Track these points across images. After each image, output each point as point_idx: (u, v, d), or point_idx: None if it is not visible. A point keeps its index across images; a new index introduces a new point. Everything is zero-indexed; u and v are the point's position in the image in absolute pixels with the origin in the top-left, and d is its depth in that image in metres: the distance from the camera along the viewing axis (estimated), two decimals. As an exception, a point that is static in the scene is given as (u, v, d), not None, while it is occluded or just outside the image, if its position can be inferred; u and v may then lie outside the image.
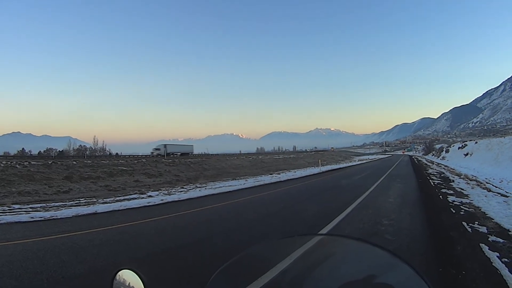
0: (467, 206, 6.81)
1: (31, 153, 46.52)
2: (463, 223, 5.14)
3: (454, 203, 7.23)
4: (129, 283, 1.02)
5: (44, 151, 44.34)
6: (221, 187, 13.66)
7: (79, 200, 10.66)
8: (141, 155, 38.10)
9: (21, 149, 53.20)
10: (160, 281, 2.95)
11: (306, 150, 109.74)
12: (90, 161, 22.59)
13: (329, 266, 1.14)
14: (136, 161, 25.50)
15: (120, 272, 1.04)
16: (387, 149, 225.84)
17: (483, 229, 4.71)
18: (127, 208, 7.96)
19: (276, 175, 21.62)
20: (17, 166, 16.33)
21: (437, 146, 72.50)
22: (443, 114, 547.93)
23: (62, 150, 48.69)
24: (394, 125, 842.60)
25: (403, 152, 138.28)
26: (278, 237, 1.45)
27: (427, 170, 20.66)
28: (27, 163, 17.83)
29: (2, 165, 16.08)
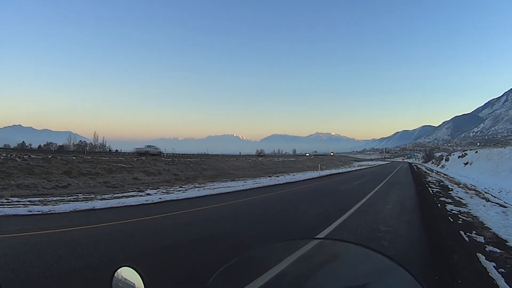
0: (465, 215, 6.81)
1: (31, 146, 46.63)
2: (461, 232, 5.14)
3: (452, 212, 7.24)
4: (129, 280, 1.01)
5: (44, 145, 44.42)
6: (219, 187, 13.64)
7: (78, 195, 10.64)
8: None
9: (21, 142, 53.38)
10: (158, 279, 2.94)
11: (306, 154, 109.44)
12: (89, 157, 22.62)
13: (327, 269, 1.15)
14: (135, 158, 25.52)
15: (119, 269, 1.03)
16: (386, 156, 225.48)
17: (481, 239, 4.71)
18: (125, 206, 7.94)
19: (275, 177, 21.60)
20: (16, 159, 16.34)
21: (437, 154, 72.46)
22: (444, 123, 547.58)
23: (62, 145, 48.76)
24: (395, 132, 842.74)
25: (402, 159, 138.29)
26: (276, 240, 1.46)
27: (426, 178, 20.67)
28: (27, 156, 17.85)
29: (2, 157, 16.09)
